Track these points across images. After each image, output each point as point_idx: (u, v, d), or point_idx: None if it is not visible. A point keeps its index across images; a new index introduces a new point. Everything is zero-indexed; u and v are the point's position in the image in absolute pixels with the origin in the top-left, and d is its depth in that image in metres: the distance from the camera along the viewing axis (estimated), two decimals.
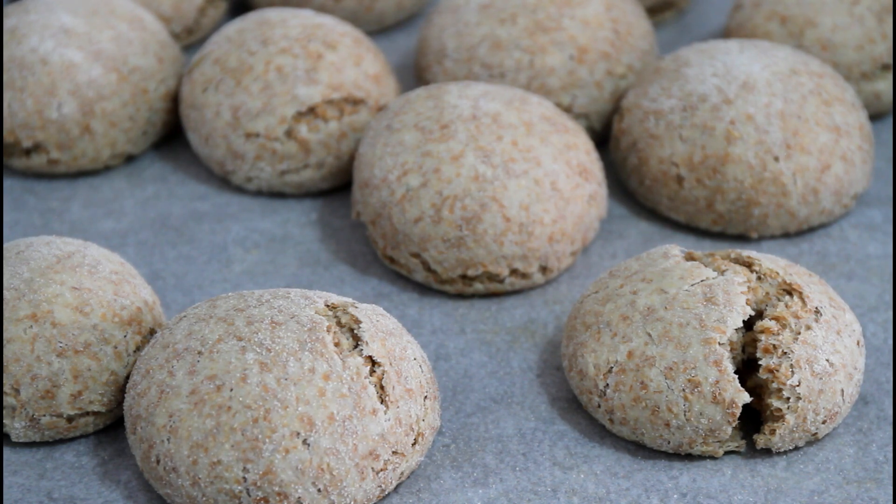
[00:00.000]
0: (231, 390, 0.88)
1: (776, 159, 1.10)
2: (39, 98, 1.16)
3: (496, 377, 1.02)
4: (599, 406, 0.96)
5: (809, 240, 1.13)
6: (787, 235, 1.13)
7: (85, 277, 0.97)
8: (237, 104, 1.15)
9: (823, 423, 0.94)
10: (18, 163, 1.19)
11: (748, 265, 0.98)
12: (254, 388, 0.88)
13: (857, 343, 0.96)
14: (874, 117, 1.25)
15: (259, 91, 1.15)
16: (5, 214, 1.16)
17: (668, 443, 0.94)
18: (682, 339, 0.93)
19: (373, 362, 0.91)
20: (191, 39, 1.34)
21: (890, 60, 1.21)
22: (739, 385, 0.92)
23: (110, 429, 0.98)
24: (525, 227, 1.05)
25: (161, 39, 1.22)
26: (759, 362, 0.93)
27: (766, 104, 1.10)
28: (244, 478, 0.87)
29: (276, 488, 0.87)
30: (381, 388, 0.90)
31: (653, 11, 1.36)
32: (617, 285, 0.98)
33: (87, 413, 0.96)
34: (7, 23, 1.19)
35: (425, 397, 0.93)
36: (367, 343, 0.91)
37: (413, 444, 0.91)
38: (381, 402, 0.90)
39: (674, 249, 1.00)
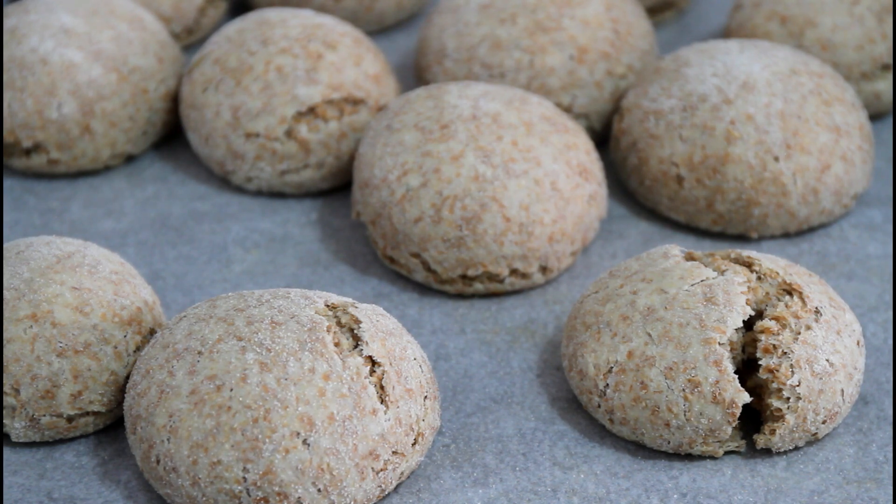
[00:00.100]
0: (231, 390, 0.88)
1: (776, 159, 1.10)
2: (39, 98, 1.16)
3: (496, 377, 1.02)
4: (599, 406, 0.96)
5: (809, 240, 1.13)
6: (787, 235, 1.13)
7: (85, 277, 0.97)
8: (237, 104, 1.15)
9: (823, 423, 0.94)
10: (18, 163, 1.19)
11: (748, 265, 0.98)
12: (254, 388, 0.88)
13: (857, 343, 0.96)
14: (874, 117, 1.25)
15: (259, 91, 1.15)
16: (5, 214, 1.16)
17: (668, 443, 0.94)
18: (682, 339, 0.93)
19: (373, 362, 0.91)
20: (191, 39, 1.34)
21: (890, 60, 1.21)
22: (739, 385, 0.92)
23: (110, 429, 0.98)
24: (525, 227, 1.05)
25: (161, 39, 1.22)
26: (759, 362, 0.93)
27: (766, 104, 1.10)
28: (244, 478, 0.87)
29: (276, 488, 0.87)
30: (381, 388, 0.90)
31: (653, 11, 1.36)
32: (617, 285, 0.98)
33: (87, 413, 0.96)
34: (7, 23, 1.19)
35: (425, 397, 0.93)
36: (367, 343, 0.91)
37: (413, 444, 0.91)
38: (381, 402, 0.90)
39: (674, 249, 1.00)
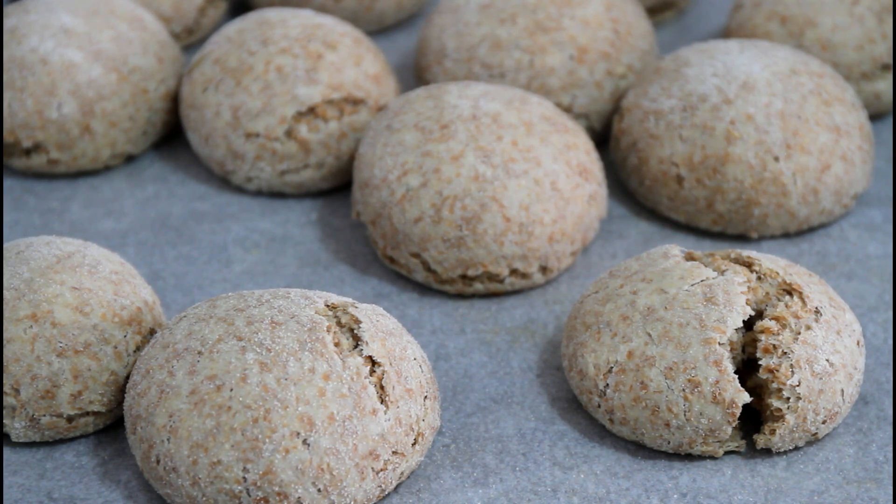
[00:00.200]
0: (231, 390, 0.88)
1: (776, 159, 1.10)
2: (39, 98, 1.16)
3: (496, 377, 1.02)
4: (599, 406, 0.96)
5: (809, 240, 1.13)
6: (787, 235, 1.13)
7: (85, 277, 0.97)
8: (237, 104, 1.15)
9: (823, 423, 0.94)
10: (18, 163, 1.19)
11: (748, 265, 0.98)
12: (254, 388, 0.88)
13: (857, 343, 0.96)
14: (874, 117, 1.25)
15: (259, 91, 1.15)
16: (5, 214, 1.16)
17: (668, 443, 0.94)
18: (682, 339, 0.93)
19: (373, 362, 0.91)
20: (191, 39, 1.34)
21: (890, 60, 1.21)
22: (739, 385, 0.92)
23: (110, 429, 0.98)
24: (525, 227, 1.05)
25: (161, 39, 1.22)
26: (759, 362, 0.93)
27: (766, 104, 1.10)
28: (244, 478, 0.87)
29: (276, 488, 0.87)
30: (381, 388, 0.90)
31: (653, 11, 1.36)
32: (617, 285, 0.98)
33: (87, 413, 0.96)
34: (7, 23, 1.19)
35: (425, 397, 0.93)
36: (367, 343, 0.91)
37: (413, 444, 0.91)
38: (381, 402, 0.90)
39: (674, 249, 1.00)
